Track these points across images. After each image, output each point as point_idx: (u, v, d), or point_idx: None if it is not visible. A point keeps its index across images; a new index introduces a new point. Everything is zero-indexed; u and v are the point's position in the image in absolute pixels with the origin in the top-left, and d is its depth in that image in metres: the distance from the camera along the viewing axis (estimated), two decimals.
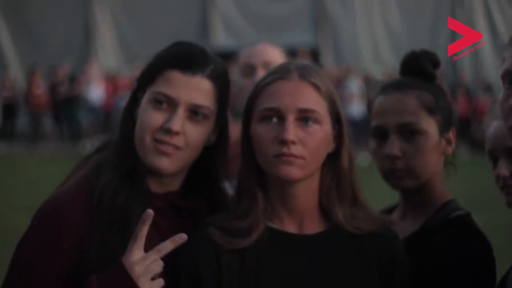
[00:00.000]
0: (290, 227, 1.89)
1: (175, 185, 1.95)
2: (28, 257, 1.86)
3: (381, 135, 2.15)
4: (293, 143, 1.81)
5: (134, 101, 1.95)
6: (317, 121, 1.84)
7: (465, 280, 1.99)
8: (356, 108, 16.60)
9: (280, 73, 1.87)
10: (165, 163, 1.86)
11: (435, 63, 2.21)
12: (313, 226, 1.90)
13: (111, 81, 19.29)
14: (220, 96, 1.93)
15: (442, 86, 2.24)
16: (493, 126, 2.15)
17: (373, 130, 2.18)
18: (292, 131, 1.81)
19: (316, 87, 1.86)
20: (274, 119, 1.84)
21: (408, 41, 19.87)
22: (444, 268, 2.00)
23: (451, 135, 2.19)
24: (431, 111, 2.14)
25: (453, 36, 20.28)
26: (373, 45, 20.73)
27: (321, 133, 1.84)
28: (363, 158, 11.08)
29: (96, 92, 18.84)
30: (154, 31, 19.36)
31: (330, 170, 1.90)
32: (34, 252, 1.85)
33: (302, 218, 1.89)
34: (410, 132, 2.12)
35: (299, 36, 20.23)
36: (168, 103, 1.87)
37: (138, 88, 1.94)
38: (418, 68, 2.20)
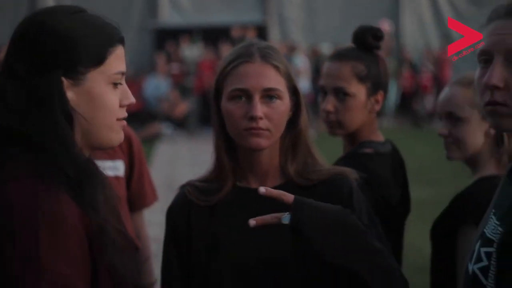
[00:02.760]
0: (254, 184, 2.23)
1: None
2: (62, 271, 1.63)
3: (324, 93, 2.77)
4: (260, 118, 2.13)
5: (63, 95, 1.76)
6: (279, 97, 2.17)
7: None
8: (302, 83, 16.77)
9: (244, 57, 2.17)
10: (121, 135, 1.86)
11: (378, 37, 2.77)
12: (273, 181, 2.23)
13: None
14: None
15: (379, 56, 2.79)
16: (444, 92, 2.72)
17: (320, 88, 2.79)
18: (259, 108, 2.13)
19: (276, 67, 2.18)
20: (243, 98, 2.15)
21: (349, 15, 20.08)
22: None
23: (379, 96, 2.77)
24: (361, 79, 2.73)
25: (396, 15, 20.48)
26: (317, 20, 20.89)
27: (282, 106, 2.17)
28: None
29: None
30: (100, 10, 19.23)
31: (288, 134, 2.23)
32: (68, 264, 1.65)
33: (265, 176, 2.23)
34: (342, 94, 2.72)
35: (246, 13, 20.30)
36: (122, 80, 1.84)
37: (71, 74, 1.76)
38: (362, 40, 2.77)
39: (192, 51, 19.31)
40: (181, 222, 2.23)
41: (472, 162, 2.65)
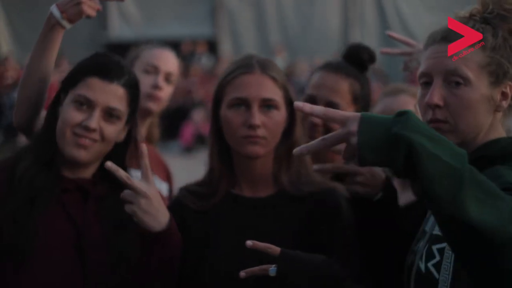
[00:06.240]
0: (247, 192, 2.33)
1: (87, 173, 2.31)
2: None
3: (312, 103, 2.42)
4: (258, 126, 2.24)
5: (58, 100, 2.31)
6: (276, 107, 2.29)
7: None
8: None
9: (245, 68, 2.30)
10: (82, 154, 2.23)
11: (371, 58, 2.63)
12: (266, 190, 2.33)
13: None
14: (132, 102, 2.30)
15: (368, 78, 2.65)
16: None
17: (306, 97, 2.57)
18: (257, 116, 2.24)
19: (274, 79, 2.30)
20: (242, 107, 2.26)
21: (302, 29, 20.18)
22: None
23: None
24: (355, 99, 2.56)
25: (345, 25, 20.66)
26: (269, 35, 20.93)
27: (279, 116, 2.29)
28: None
29: None
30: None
31: (282, 144, 2.32)
32: None
33: (257, 184, 2.32)
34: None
35: (196, 26, 20.24)
36: (88, 105, 2.24)
37: (62, 90, 2.30)
38: (357, 58, 2.60)
39: None
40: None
41: None
